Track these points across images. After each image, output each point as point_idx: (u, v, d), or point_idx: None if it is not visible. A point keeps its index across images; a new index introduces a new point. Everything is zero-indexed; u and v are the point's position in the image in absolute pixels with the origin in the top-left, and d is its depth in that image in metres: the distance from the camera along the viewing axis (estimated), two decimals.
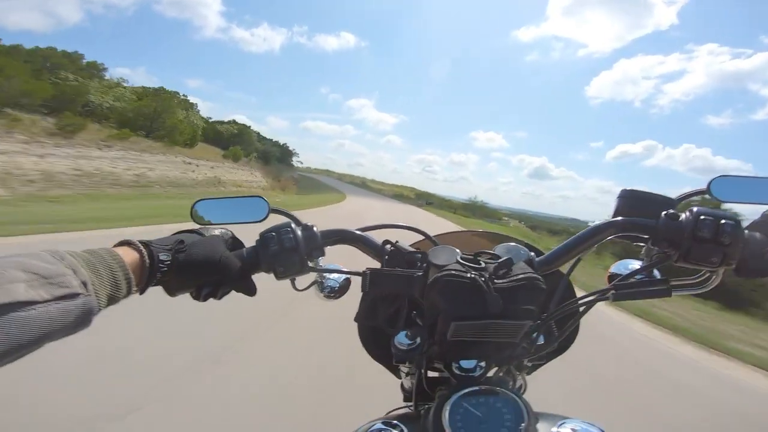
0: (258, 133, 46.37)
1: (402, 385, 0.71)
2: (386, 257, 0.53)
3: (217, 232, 0.54)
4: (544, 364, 0.67)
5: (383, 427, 0.50)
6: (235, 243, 0.54)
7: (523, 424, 0.44)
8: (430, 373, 0.63)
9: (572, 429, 0.47)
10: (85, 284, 0.38)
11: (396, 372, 0.70)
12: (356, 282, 0.58)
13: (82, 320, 0.38)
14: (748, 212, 0.57)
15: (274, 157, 46.87)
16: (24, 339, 0.32)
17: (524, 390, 0.62)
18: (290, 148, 60.70)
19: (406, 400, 0.67)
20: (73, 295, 0.36)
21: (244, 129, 41.70)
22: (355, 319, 0.56)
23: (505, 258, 0.49)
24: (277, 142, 56.66)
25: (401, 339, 0.59)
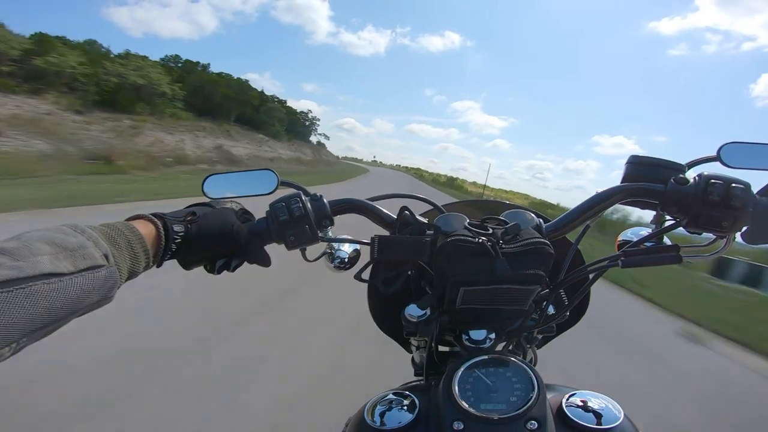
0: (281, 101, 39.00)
1: (413, 359, 0.71)
2: (397, 225, 0.53)
3: (228, 204, 0.54)
4: (554, 337, 0.67)
5: (394, 397, 0.51)
6: (245, 215, 0.55)
7: (533, 393, 0.44)
8: (441, 348, 0.63)
9: (582, 400, 0.47)
10: (106, 257, 0.38)
11: (407, 346, 0.71)
12: (366, 253, 0.58)
13: (107, 293, 0.38)
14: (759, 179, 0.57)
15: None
16: (53, 312, 0.33)
17: (535, 363, 0.62)
18: (312, 119, 49.48)
19: (417, 374, 0.68)
20: (97, 267, 0.37)
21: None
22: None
23: (512, 223, 0.50)
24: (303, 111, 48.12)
25: (412, 311, 0.60)
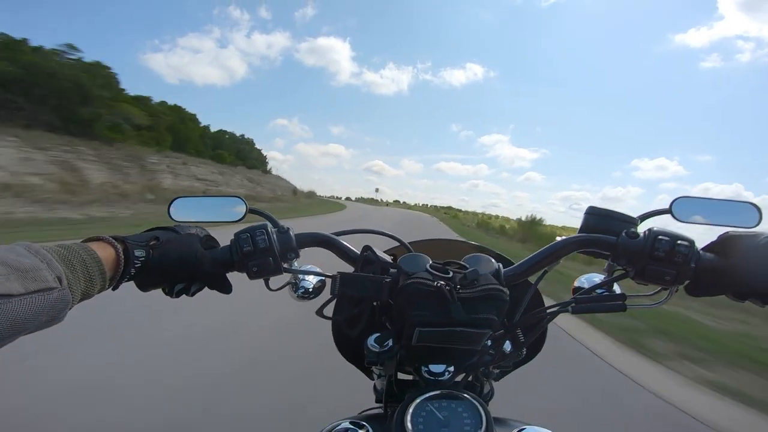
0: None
1: (374, 387, 0.72)
2: (361, 262, 0.54)
3: (192, 230, 0.54)
4: (511, 371, 0.70)
5: (350, 426, 0.51)
6: (210, 241, 0.55)
7: (480, 429, 0.46)
8: (402, 376, 0.65)
9: None
10: (59, 279, 0.38)
11: (369, 373, 0.72)
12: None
13: (57, 314, 0.38)
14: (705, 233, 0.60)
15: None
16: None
17: (492, 396, 0.64)
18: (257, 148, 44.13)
19: (378, 401, 0.69)
20: (49, 289, 0.36)
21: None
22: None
23: (471, 269, 0.51)
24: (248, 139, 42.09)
25: (373, 342, 0.61)
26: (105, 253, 0.44)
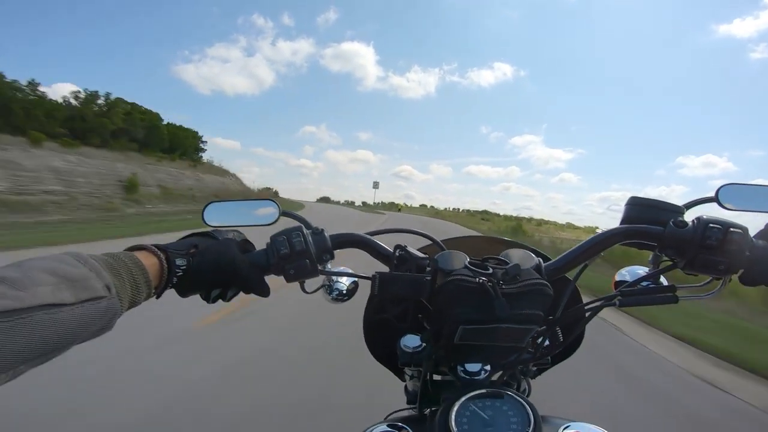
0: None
1: (405, 388, 0.71)
2: (395, 261, 0.53)
3: (229, 235, 0.54)
4: (549, 368, 0.68)
5: (388, 429, 0.51)
6: (246, 245, 0.55)
7: (529, 428, 0.45)
8: (435, 376, 0.63)
9: None
10: (108, 287, 0.38)
11: (400, 374, 0.71)
12: (364, 287, 0.58)
13: (107, 323, 0.38)
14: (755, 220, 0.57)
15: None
16: (52, 341, 0.33)
17: (529, 393, 0.63)
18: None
19: (409, 402, 0.68)
20: (98, 298, 0.37)
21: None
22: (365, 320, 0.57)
23: (513, 264, 0.50)
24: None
25: (407, 342, 0.60)
26: (149, 261, 0.45)
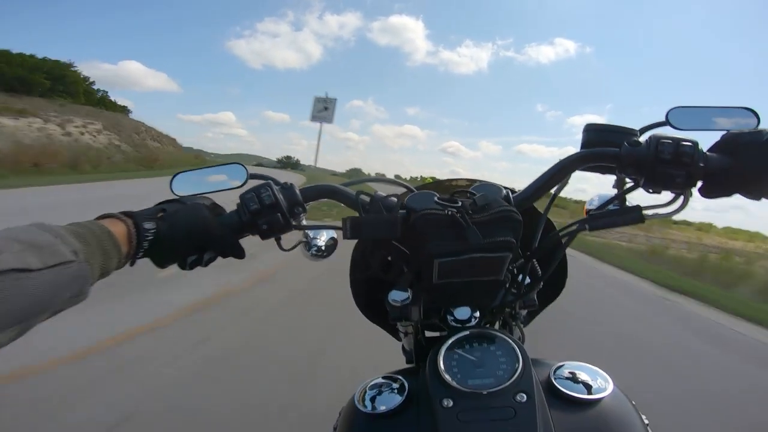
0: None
1: (403, 348, 0.72)
2: (367, 207, 0.54)
3: (198, 199, 0.54)
4: (539, 312, 0.69)
5: (383, 381, 0.51)
6: (216, 209, 0.54)
7: (518, 365, 0.45)
8: (429, 333, 0.64)
9: (570, 371, 0.48)
10: (76, 252, 0.38)
11: (396, 333, 0.71)
12: (343, 242, 0.58)
13: (78, 290, 0.38)
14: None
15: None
16: (22, 308, 0.32)
17: (523, 341, 0.63)
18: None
19: (408, 362, 0.69)
20: (66, 263, 0.36)
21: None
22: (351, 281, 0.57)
23: (480, 194, 0.51)
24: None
25: (394, 296, 0.60)
26: (116, 228, 0.44)
